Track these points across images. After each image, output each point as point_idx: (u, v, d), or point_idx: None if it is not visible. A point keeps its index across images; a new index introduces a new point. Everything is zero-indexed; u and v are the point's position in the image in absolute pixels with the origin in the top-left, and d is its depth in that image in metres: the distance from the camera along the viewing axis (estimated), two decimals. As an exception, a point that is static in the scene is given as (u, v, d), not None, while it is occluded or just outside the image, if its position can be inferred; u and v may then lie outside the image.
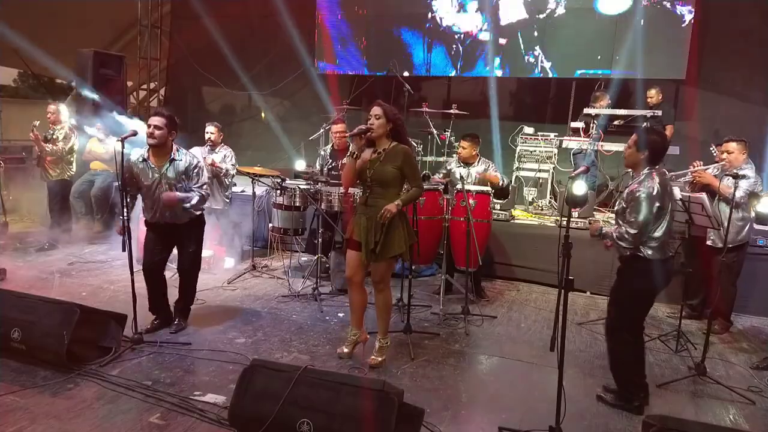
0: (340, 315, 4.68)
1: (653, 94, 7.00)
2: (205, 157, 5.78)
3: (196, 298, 4.82)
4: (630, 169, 3.36)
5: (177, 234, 4.08)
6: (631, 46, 7.42)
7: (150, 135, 3.85)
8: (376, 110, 3.54)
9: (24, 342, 3.45)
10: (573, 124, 6.95)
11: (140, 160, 3.91)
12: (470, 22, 8.32)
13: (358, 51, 8.96)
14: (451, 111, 6.98)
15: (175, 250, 4.22)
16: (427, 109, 7.11)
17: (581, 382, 3.61)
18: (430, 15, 8.53)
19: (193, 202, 3.95)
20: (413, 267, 4.71)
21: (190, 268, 4.23)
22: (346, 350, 3.81)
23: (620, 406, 3.26)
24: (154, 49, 10.40)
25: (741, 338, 4.67)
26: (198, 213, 4.11)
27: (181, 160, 3.95)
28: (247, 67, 9.87)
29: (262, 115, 10.34)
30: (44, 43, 9.70)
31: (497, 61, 8.25)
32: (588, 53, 7.72)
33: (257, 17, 9.67)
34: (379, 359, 3.70)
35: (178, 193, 3.89)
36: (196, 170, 4.01)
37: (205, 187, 4.04)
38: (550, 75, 8.03)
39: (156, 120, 3.85)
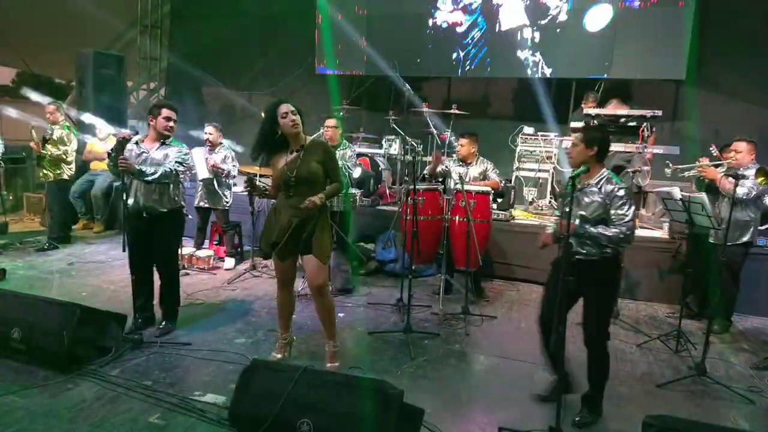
0: (341, 315, 4.67)
1: (590, 99, 6.90)
2: (207, 158, 5.78)
3: (195, 298, 4.85)
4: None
5: (155, 226, 3.98)
6: (631, 47, 7.42)
7: (170, 129, 3.95)
8: (287, 107, 3.41)
9: (24, 342, 3.45)
10: (573, 124, 6.95)
11: (133, 142, 3.97)
12: (470, 25, 8.33)
13: (359, 51, 8.95)
14: (451, 111, 6.99)
15: None
16: (427, 109, 7.11)
17: (581, 383, 3.61)
18: (430, 17, 8.54)
19: (155, 174, 3.81)
20: (413, 267, 4.71)
21: (165, 263, 4.13)
22: (278, 356, 3.64)
23: (596, 415, 3.17)
24: (154, 49, 10.40)
25: (741, 338, 4.67)
26: (177, 207, 4.05)
27: (170, 145, 3.99)
28: (247, 67, 9.87)
29: (262, 115, 10.31)
30: (44, 43, 9.71)
31: (497, 62, 8.26)
32: (588, 56, 7.72)
33: (257, 17, 9.66)
34: (336, 364, 3.56)
35: (132, 164, 3.77)
36: (174, 154, 3.96)
37: (166, 169, 3.87)
38: (548, 75, 8.03)
39: (174, 114, 3.96)
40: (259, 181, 3.59)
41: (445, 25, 8.47)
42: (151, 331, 4.05)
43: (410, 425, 2.70)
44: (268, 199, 3.66)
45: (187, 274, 5.67)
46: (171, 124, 3.95)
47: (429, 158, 7.35)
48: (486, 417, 3.16)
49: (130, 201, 3.93)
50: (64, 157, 6.45)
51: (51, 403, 3.06)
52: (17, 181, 8.79)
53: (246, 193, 3.53)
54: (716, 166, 4.56)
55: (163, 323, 4.12)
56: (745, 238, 4.48)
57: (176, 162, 3.93)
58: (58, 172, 6.49)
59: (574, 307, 3.20)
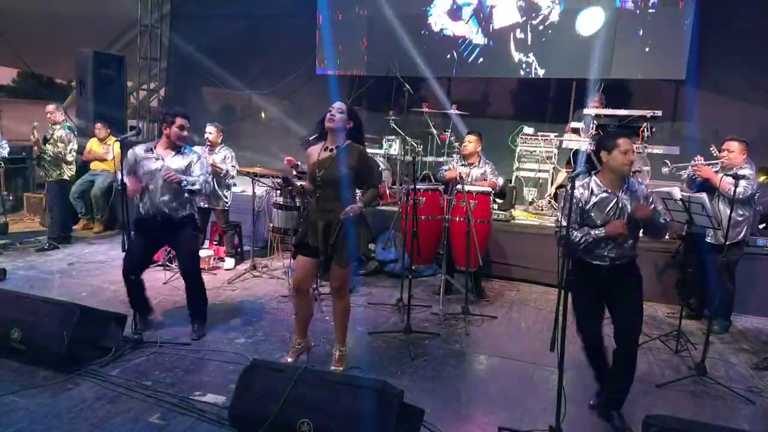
0: (340, 315, 4.69)
1: (596, 100, 6.89)
2: (205, 157, 5.77)
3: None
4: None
5: (170, 233, 3.98)
6: (631, 47, 7.42)
7: (184, 138, 3.96)
8: (338, 105, 3.40)
9: (24, 342, 3.45)
10: (573, 124, 6.95)
11: (146, 149, 3.95)
12: (464, 25, 8.35)
13: (359, 51, 8.96)
14: (451, 111, 6.99)
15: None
16: (427, 109, 7.12)
17: (581, 383, 3.61)
18: (426, 18, 8.55)
19: (195, 186, 3.91)
20: (413, 267, 4.71)
21: (192, 270, 4.15)
22: (290, 359, 3.60)
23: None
24: (154, 49, 10.40)
25: (741, 338, 4.67)
26: (190, 212, 4.04)
27: (186, 153, 4.00)
28: (247, 67, 9.87)
29: (262, 115, 10.34)
30: (44, 43, 9.72)
31: (491, 62, 8.27)
32: (587, 56, 7.72)
33: (257, 17, 9.67)
34: (340, 368, 3.55)
35: (180, 175, 3.86)
36: (198, 163, 4.03)
37: (204, 179, 3.99)
38: (541, 75, 8.04)
39: (187, 122, 3.96)
40: (297, 180, 3.62)
41: (439, 26, 8.49)
42: (163, 332, 4.07)
43: (410, 425, 2.70)
44: (307, 196, 3.67)
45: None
46: (185, 133, 3.96)
47: (429, 158, 7.38)
48: (486, 417, 3.16)
49: (145, 205, 3.93)
50: (65, 157, 6.45)
51: (51, 403, 3.06)
52: (17, 181, 8.80)
53: (287, 191, 3.58)
54: (710, 165, 4.59)
55: (195, 326, 4.13)
56: (740, 237, 4.53)
57: (207, 173, 4.08)
58: (59, 172, 6.49)
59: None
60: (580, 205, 3.04)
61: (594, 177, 3.11)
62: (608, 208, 3.02)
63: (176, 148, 3.97)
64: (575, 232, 3.00)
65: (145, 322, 4.12)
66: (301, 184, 3.62)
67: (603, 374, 3.25)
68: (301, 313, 3.63)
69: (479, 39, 8.26)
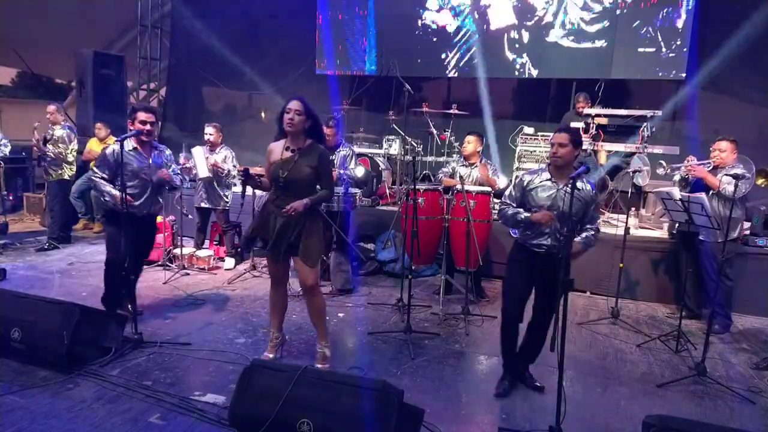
0: (340, 315, 4.69)
1: (581, 100, 6.87)
2: (207, 157, 5.78)
3: (195, 298, 4.90)
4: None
5: (146, 225, 4.19)
6: (631, 47, 7.42)
7: (149, 133, 4.00)
8: (295, 105, 3.33)
9: (24, 342, 3.45)
10: (573, 124, 6.94)
11: (131, 149, 4.00)
12: (459, 25, 8.36)
13: (359, 51, 8.97)
14: (451, 111, 6.99)
15: None
16: (427, 109, 7.12)
17: (581, 382, 3.61)
18: (422, 18, 8.55)
19: (177, 182, 4.26)
20: (413, 267, 4.71)
21: (143, 259, 4.45)
22: (270, 355, 3.65)
23: None
24: (154, 49, 10.40)
25: (741, 338, 4.67)
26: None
27: (160, 150, 4.19)
28: (247, 67, 9.87)
29: (262, 115, 10.34)
30: (44, 43, 9.73)
31: (485, 63, 8.27)
32: (586, 57, 7.71)
33: (257, 17, 9.67)
34: (327, 366, 3.53)
35: (171, 173, 4.16)
36: (171, 157, 4.30)
37: (180, 174, 4.34)
38: (535, 75, 8.04)
39: (151, 117, 4.00)
40: (256, 174, 3.59)
41: (435, 26, 8.49)
42: (158, 330, 4.06)
43: (410, 425, 2.70)
44: (263, 191, 3.68)
45: (187, 274, 5.68)
46: (148, 127, 3.96)
47: (429, 158, 7.38)
48: (486, 417, 3.16)
49: (137, 203, 4.00)
50: (65, 157, 6.46)
51: (51, 403, 3.06)
52: (17, 181, 8.80)
53: (240, 185, 3.61)
54: (702, 165, 4.61)
55: (141, 310, 4.29)
56: (735, 234, 4.56)
57: (177, 166, 4.26)
58: (59, 172, 6.49)
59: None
60: (524, 186, 3.29)
61: (547, 166, 3.31)
62: (546, 196, 3.21)
63: (145, 143, 4.05)
64: (510, 209, 3.31)
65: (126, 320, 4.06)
66: (258, 177, 3.58)
67: (512, 354, 3.46)
68: (276, 308, 3.69)
69: (474, 39, 8.27)
